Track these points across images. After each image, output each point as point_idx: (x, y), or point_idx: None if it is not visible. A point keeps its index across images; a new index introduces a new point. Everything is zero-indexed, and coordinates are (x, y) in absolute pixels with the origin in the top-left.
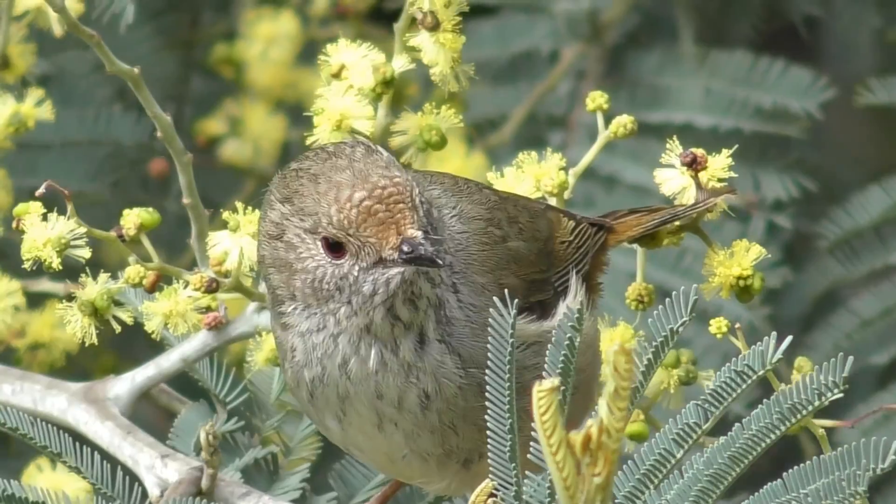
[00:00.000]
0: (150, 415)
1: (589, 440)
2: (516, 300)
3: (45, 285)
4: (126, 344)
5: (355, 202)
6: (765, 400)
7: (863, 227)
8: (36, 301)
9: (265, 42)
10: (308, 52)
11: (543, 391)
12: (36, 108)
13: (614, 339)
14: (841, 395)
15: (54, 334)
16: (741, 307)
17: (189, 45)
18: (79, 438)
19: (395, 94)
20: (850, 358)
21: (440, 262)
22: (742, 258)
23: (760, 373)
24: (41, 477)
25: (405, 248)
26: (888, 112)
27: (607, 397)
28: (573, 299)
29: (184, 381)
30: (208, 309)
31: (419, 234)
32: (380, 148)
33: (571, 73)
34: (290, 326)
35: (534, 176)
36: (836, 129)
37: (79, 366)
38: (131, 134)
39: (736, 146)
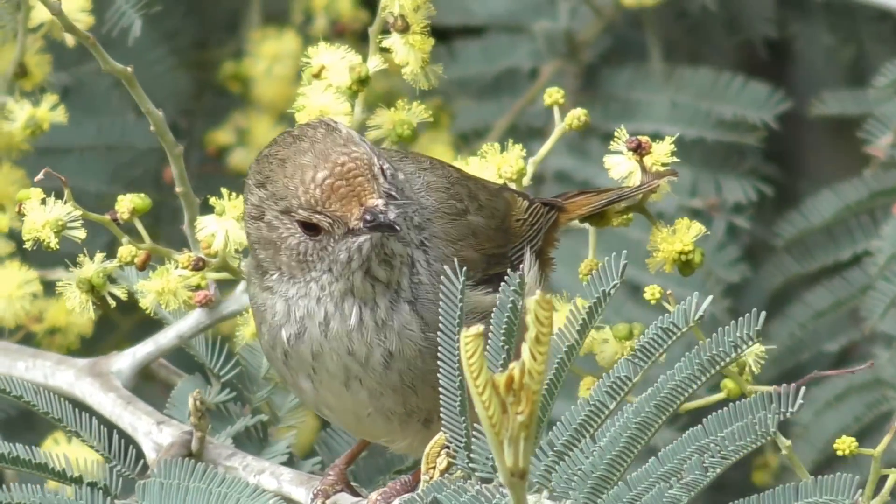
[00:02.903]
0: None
1: (512, 381)
2: (465, 268)
3: (60, 274)
4: (144, 334)
5: (318, 182)
6: (686, 353)
7: (816, 227)
8: (53, 289)
9: (270, 60)
10: None
11: (469, 336)
12: (50, 112)
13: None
14: (757, 346)
15: (69, 319)
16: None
17: (201, 63)
18: (85, 409)
19: (387, 104)
20: (763, 313)
21: (397, 227)
22: (684, 234)
23: (684, 329)
24: (57, 449)
25: (368, 217)
26: (841, 123)
27: (529, 343)
28: (526, 272)
29: (182, 357)
30: (198, 287)
31: (380, 202)
32: (339, 124)
33: None
34: (275, 291)
35: (496, 165)
36: (793, 138)
37: (100, 353)
38: (144, 139)
39: (677, 135)
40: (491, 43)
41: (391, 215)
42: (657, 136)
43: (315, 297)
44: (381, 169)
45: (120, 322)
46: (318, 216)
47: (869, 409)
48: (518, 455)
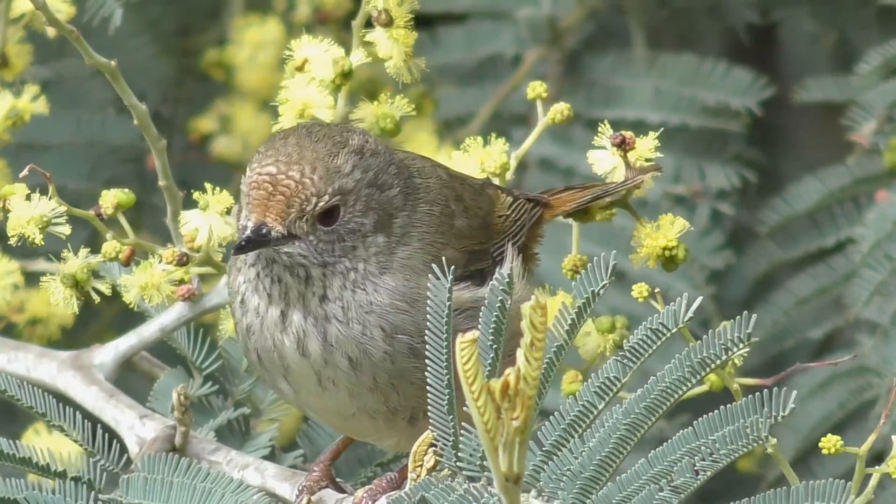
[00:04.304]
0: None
1: (507, 387)
2: (453, 267)
3: (41, 265)
4: (126, 322)
5: (261, 171)
6: (677, 355)
7: (799, 213)
8: (34, 280)
9: (253, 47)
10: None
11: (465, 342)
12: (31, 103)
13: (556, 305)
14: (747, 349)
15: (51, 310)
16: (688, 286)
17: (183, 50)
18: (68, 402)
19: (369, 93)
20: (754, 316)
21: (245, 259)
22: (668, 230)
23: (673, 330)
24: (38, 440)
25: (250, 232)
26: (826, 108)
27: (524, 348)
28: (507, 267)
29: (164, 350)
30: (181, 282)
31: (278, 227)
32: (344, 150)
33: (533, 75)
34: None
35: (479, 159)
36: (777, 124)
37: (82, 342)
38: (124, 135)
39: (661, 130)
40: (474, 29)
41: (252, 243)
42: (641, 123)
43: (247, 286)
44: (313, 209)
45: (103, 310)
46: (245, 196)
47: (853, 395)
48: (513, 460)
